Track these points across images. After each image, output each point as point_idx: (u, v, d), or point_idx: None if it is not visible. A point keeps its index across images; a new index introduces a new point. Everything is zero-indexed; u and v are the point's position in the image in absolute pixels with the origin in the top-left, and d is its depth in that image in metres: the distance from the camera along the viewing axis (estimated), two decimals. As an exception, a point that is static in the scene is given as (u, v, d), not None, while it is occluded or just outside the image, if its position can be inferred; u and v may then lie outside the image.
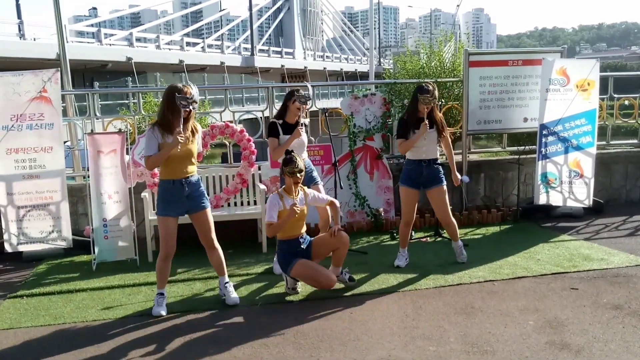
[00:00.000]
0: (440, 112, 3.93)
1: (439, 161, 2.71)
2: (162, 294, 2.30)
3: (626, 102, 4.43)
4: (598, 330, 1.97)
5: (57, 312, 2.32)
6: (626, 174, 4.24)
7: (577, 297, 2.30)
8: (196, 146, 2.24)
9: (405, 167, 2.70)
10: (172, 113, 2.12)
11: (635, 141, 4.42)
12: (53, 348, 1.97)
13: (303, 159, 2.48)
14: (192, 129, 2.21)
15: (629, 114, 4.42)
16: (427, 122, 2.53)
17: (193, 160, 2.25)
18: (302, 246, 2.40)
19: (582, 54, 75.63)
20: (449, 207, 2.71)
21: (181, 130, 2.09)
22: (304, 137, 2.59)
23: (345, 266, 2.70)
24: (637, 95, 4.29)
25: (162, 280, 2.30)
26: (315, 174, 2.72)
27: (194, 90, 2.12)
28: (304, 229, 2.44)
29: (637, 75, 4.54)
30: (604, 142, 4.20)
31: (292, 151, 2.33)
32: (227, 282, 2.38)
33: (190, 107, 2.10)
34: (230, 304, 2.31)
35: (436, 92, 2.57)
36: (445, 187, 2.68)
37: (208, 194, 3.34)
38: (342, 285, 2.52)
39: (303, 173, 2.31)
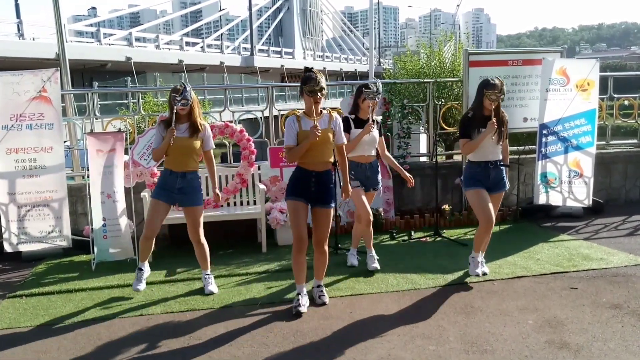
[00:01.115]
0: (440, 112, 3.99)
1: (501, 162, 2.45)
2: (141, 269, 2.48)
3: (626, 102, 4.43)
4: (597, 330, 1.97)
5: (57, 312, 2.32)
6: (626, 174, 4.24)
7: (577, 296, 2.31)
8: (199, 143, 2.38)
9: (469, 170, 2.45)
10: (170, 111, 2.34)
11: (634, 141, 4.43)
12: (52, 348, 1.97)
13: (373, 157, 2.56)
14: (194, 125, 2.37)
15: (629, 114, 4.43)
16: (494, 121, 2.31)
17: (195, 157, 2.40)
18: (312, 184, 2.06)
19: (582, 54, 75.69)
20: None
21: (173, 126, 2.29)
22: (375, 133, 2.58)
23: (345, 266, 2.71)
24: (637, 95, 4.29)
25: (144, 255, 2.48)
26: (380, 177, 2.65)
27: (183, 88, 2.30)
28: (328, 159, 2.10)
29: (636, 76, 4.55)
30: (603, 142, 4.20)
31: (311, 68, 2.10)
32: (207, 274, 2.52)
33: (180, 104, 2.28)
34: (206, 294, 2.45)
35: (504, 87, 2.35)
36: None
37: (207, 194, 3.38)
38: (340, 286, 2.53)
39: (324, 92, 2.06)
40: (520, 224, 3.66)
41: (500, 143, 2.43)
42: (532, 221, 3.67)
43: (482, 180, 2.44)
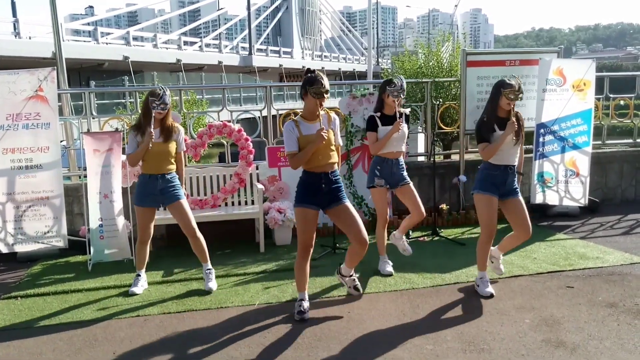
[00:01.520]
0: (438, 112, 4.00)
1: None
2: (139, 275, 2.53)
3: (622, 102, 4.46)
4: (593, 328, 1.99)
5: (52, 313, 2.30)
6: (621, 174, 4.27)
7: (573, 295, 2.32)
8: (174, 146, 2.43)
9: (486, 172, 2.29)
10: (144, 115, 2.37)
11: (630, 141, 4.45)
12: (48, 350, 1.96)
13: (403, 153, 2.55)
14: (168, 129, 2.39)
15: (624, 114, 4.45)
16: (514, 120, 2.20)
17: (171, 159, 2.43)
18: (324, 187, 2.02)
19: (579, 54, 76.21)
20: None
21: (152, 130, 2.30)
22: (404, 127, 2.55)
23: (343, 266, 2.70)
24: (633, 95, 4.32)
25: (140, 263, 2.53)
26: (405, 173, 2.61)
27: (162, 92, 2.32)
28: (335, 160, 2.06)
29: (632, 76, 4.57)
30: (599, 142, 4.22)
31: (314, 70, 2.06)
32: (208, 269, 2.53)
33: (159, 109, 2.30)
34: (206, 290, 2.47)
35: (522, 86, 2.25)
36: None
37: (205, 194, 3.38)
38: (338, 285, 2.52)
39: (328, 94, 2.05)
40: (517, 223, 3.68)
41: (518, 146, 2.30)
42: (529, 220, 3.70)
43: (498, 185, 2.28)
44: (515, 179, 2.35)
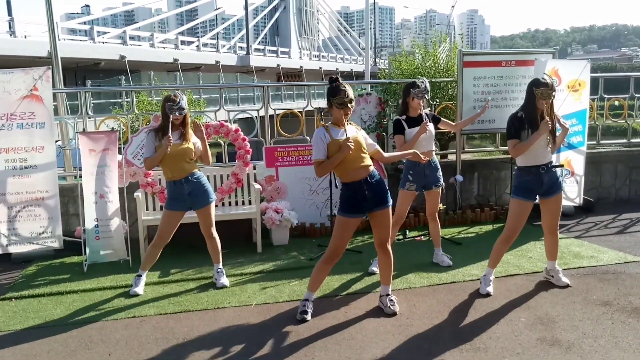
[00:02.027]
0: (435, 112, 4.02)
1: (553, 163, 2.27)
2: (140, 275, 2.53)
3: (616, 103, 4.51)
4: (588, 327, 2.00)
5: (47, 315, 2.28)
6: (616, 173, 4.31)
7: (568, 294, 2.34)
8: (192, 146, 2.45)
9: (520, 178, 2.25)
10: (164, 119, 2.39)
11: (624, 141, 4.49)
12: (43, 352, 1.94)
13: (432, 152, 2.56)
14: (188, 132, 2.43)
15: (619, 114, 4.50)
16: (548, 120, 2.15)
17: (189, 160, 2.45)
18: (368, 192, 1.99)
19: (574, 55, 76.85)
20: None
21: (170, 135, 2.34)
22: (431, 127, 2.58)
23: (341, 265, 2.69)
24: (627, 96, 4.36)
25: (147, 264, 2.53)
26: (440, 173, 2.61)
27: (179, 98, 2.36)
28: (368, 163, 2.03)
29: (626, 77, 4.62)
30: (594, 142, 4.26)
31: (337, 78, 2.05)
32: (219, 269, 2.59)
33: (176, 113, 2.35)
34: (218, 287, 2.51)
35: (555, 84, 2.20)
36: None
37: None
38: (335, 285, 2.53)
39: (354, 103, 2.03)
40: (513, 222, 3.70)
41: (552, 145, 2.23)
42: (525, 220, 3.72)
43: (535, 188, 2.24)
44: (555, 174, 2.25)
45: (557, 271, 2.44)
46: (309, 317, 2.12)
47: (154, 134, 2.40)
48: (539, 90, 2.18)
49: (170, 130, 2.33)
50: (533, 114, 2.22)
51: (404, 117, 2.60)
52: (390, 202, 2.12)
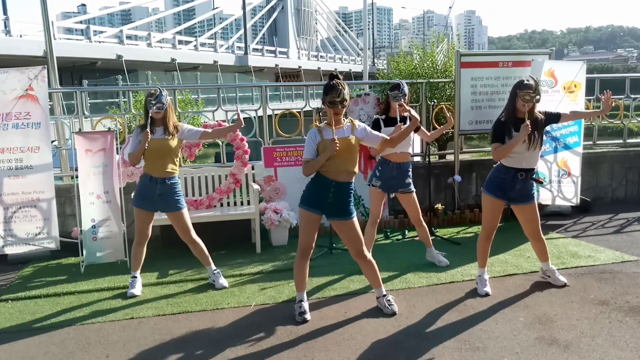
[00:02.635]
0: (433, 112, 4.03)
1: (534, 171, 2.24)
2: (135, 277, 2.50)
3: (612, 104, 4.53)
4: (586, 326, 2.01)
5: (44, 316, 2.26)
6: (612, 173, 4.34)
7: (565, 293, 2.35)
8: (176, 143, 2.41)
9: (495, 174, 2.26)
10: (145, 114, 2.37)
11: (620, 141, 4.53)
12: (40, 354, 1.93)
13: (408, 154, 2.57)
14: (171, 127, 2.38)
15: (615, 115, 4.53)
16: (528, 123, 2.11)
17: (173, 158, 2.41)
18: (330, 195, 1.95)
19: (570, 56, 77.45)
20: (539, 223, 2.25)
21: (148, 130, 2.33)
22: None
23: (340, 265, 2.70)
24: (623, 96, 4.40)
25: (136, 264, 2.50)
26: (409, 180, 2.58)
27: (159, 93, 2.34)
28: (352, 169, 1.99)
29: (622, 77, 4.66)
30: (590, 142, 4.29)
31: (337, 75, 1.99)
32: (215, 270, 2.56)
33: (155, 108, 2.32)
34: (218, 288, 2.49)
35: (540, 88, 2.18)
36: (536, 203, 2.27)
37: (200, 194, 3.35)
38: (335, 286, 2.53)
39: (346, 103, 1.95)
40: (510, 222, 3.69)
41: (537, 149, 2.20)
42: (522, 220, 3.74)
43: (505, 189, 2.24)
44: (530, 184, 2.23)
45: (552, 271, 2.44)
46: (308, 316, 2.11)
47: (139, 129, 2.38)
48: (522, 93, 2.17)
49: (149, 126, 2.30)
50: (512, 116, 2.20)
51: (383, 116, 2.65)
52: (353, 215, 2.05)
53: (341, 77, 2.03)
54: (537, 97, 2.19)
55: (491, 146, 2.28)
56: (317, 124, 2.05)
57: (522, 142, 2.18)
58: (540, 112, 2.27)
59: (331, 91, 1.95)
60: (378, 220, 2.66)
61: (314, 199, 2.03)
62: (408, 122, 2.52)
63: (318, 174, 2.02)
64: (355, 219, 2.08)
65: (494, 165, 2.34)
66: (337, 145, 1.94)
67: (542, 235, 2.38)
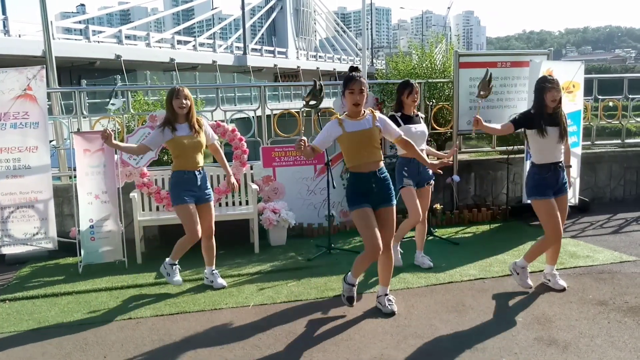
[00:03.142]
0: (431, 112, 4.04)
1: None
2: (174, 264, 2.53)
3: (610, 104, 4.55)
4: (584, 326, 2.02)
5: (41, 317, 2.25)
6: (610, 173, 4.35)
7: (564, 293, 2.35)
8: (203, 137, 2.48)
9: (537, 176, 2.25)
10: (171, 111, 2.45)
11: (618, 141, 4.54)
12: (37, 354, 1.91)
13: (424, 150, 2.59)
14: (195, 123, 2.45)
15: (613, 115, 4.54)
16: (478, 118, 2.22)
17: (202, 152, 2.47)
18: (374, 185, 2.00)
19: (568, 57, 77.66)
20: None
21: (174, 126, 2.42)
22: (424, 127, 2.66)
23: (339, 266, 2.69)
24: (621, 97, 4.41)
25: (179, 255, 2.52)
26: (431, 171, 2.55)
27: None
28: (379, 158, 2.03)
29: (620, 78, 4.67)
30: (589, 142, 4.30)
31: (357, 68, 2.11)
32: (214, 271, 2.58)
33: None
34: (216, 288, 2.49)
35: (488, 78, 2.27)
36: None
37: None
38: (333, 286, 2.52)
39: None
40: (509, 222, 3.72)
41: (562, 142, 2.24)
42: (521, 220, 3.73)
43: (552, 185, 2.25)
44: (565, 174, 2.31)
45: (554, 275, 2.44)
46: (390, 307, 2.13)
47: (162, 127, 2.40)
48: (548, 87, 2.24)
49: (173, 123, 2.37)
50: (542, 111, 2.27)
51: (399, 114, 2.66)
52: (395, 201, 2.12)
53: (360, 70, 2.11)
54: (483, 93, 2.33)
55: (506, 124, 2.35)
56: (338, 115, 2.08)
57: (555, 139, 2.22)
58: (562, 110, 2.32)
59: (350, 82, 2.02)
60: (420, 220, 2.63)
61: (361, 195, 2.05)
62: (422, 121, 2.67)
63: (353, 173, 2.08)
64: (394, 206, 2.11)
65: (528, 171, 2.36)
66: (303, 146, 1.97)
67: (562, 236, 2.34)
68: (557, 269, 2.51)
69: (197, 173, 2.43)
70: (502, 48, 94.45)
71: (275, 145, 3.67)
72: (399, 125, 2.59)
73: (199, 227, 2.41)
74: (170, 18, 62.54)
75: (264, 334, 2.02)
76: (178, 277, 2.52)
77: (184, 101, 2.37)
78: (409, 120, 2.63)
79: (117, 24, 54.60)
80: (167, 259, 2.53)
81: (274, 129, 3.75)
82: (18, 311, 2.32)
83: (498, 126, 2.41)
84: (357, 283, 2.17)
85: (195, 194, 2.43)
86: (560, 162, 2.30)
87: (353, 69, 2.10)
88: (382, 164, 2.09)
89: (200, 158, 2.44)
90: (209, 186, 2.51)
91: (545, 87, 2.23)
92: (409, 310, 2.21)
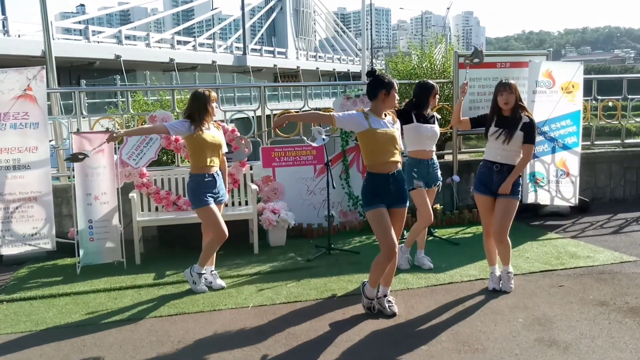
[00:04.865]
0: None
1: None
2: (202, 273, 2.51)
3: (610, 104, 4.56)
4: (585, 327, 2.01)
5: (39, 318, 2.24)
6: (610, 173, 4.35)
7: (565, 294, 2.35)
8: (224, 141, 2.57)
9: (478, 170, 2.39)
10: (203, 111, 2.49)
11: (618, 141, 4.54)
12: (35, 355, 1.90)
13: (433, 152, 2.63)
14: (214, 126, 2.53)
15: (612, 115, 4.54)
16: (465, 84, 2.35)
17: (219, 154, 2.52)
18: (391, 186, 2.02)
19: (568, 57, 77.79)
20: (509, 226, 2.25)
21: (203, 125, 2.45)
22: (436, 128, 2.68)
23: (338, 266, 2.68)
24: (620, 97, 4.41)
25: (206, 261, 2.51)
26: (439, 173, 2.67)
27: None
28: (399, 159, 2.06)
29: (619, 78, 4.67)
30: (588, 143, 4.30)
31: (376, 70, 2.18)
32: (213, 271, 2.58)
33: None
34: (215, 289, 2.49)
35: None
36: (516, 201, 2.28)
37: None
38: (333, 286, 2.51)
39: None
40: (509, 223, 3.72)
41: (511, 146, 2.24)
42: (521, 220, 3.71)
43: (486, 183, 2.31)
44: (502, 178, 2.27)
45: (508, 276, 2.39)
46: (390, 309, 2.10)
47: (190, 122, 2.42)
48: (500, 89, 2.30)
49: (203, 123, 2.41)
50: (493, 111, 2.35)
51: (415, 111, 2.65)
52: (408, 203, 2.14)
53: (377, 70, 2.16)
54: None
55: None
56: (364, 109, 2.10)
57: (495, 137, 2.28)
58: (525, 113, 2.31)
59: (393, 86, 2.08)
60: (431, 222, 2.66)
61: (378, 195, 2.06)
62: (436, 122, 2.69)
63: (371, 173, 2.09)
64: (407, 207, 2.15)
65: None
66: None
67: (508, 239, 2.31)
68: (557, 269, 2.51)
69: (215, 175, 2.47)
70: (501, 48, 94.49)
71: (275, 145, 3.67)
72: (411, 121, 2.60)
73: (225, 226, 2.42)
74: (170, 18, 62.53)
75: (263, 334, 2.01)
76: (203, 286, 2.48)
77: (214, 104, 2.46)
78: (424, 119, 2.62)
79: (116, 24, 54.58)
80: (195, 266, 2.47)
81: (273, 130, 3.74)
82: (16, 312, 2.31)
83: (465, 117, 2.47)
84: (375, 296, 2.13)
85: (213, 195, 2.47)
86: (500, 164, 2.28)
87: (374, 71, 2.13)
88: (400, 165, 2.11)
89: (216, 160, 2.47)
90: (224, 187, 2.55)
91: (497, 90, 2.30)
92: (408, 311, 2.20)
